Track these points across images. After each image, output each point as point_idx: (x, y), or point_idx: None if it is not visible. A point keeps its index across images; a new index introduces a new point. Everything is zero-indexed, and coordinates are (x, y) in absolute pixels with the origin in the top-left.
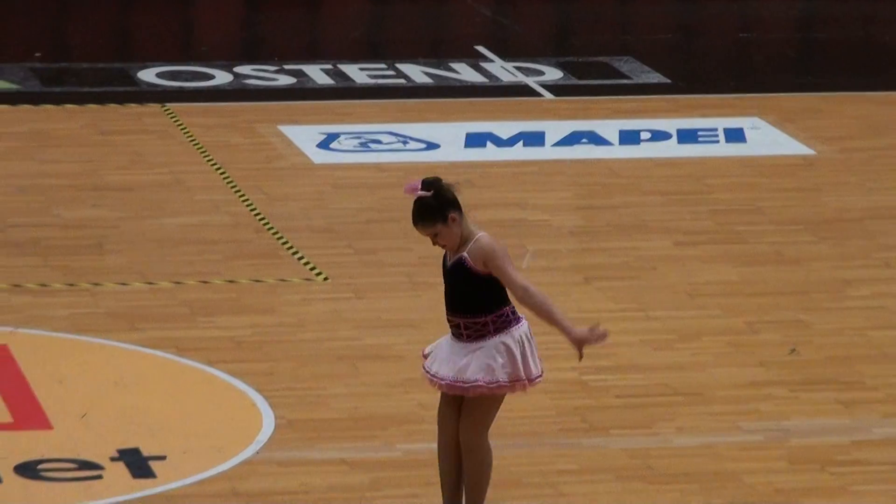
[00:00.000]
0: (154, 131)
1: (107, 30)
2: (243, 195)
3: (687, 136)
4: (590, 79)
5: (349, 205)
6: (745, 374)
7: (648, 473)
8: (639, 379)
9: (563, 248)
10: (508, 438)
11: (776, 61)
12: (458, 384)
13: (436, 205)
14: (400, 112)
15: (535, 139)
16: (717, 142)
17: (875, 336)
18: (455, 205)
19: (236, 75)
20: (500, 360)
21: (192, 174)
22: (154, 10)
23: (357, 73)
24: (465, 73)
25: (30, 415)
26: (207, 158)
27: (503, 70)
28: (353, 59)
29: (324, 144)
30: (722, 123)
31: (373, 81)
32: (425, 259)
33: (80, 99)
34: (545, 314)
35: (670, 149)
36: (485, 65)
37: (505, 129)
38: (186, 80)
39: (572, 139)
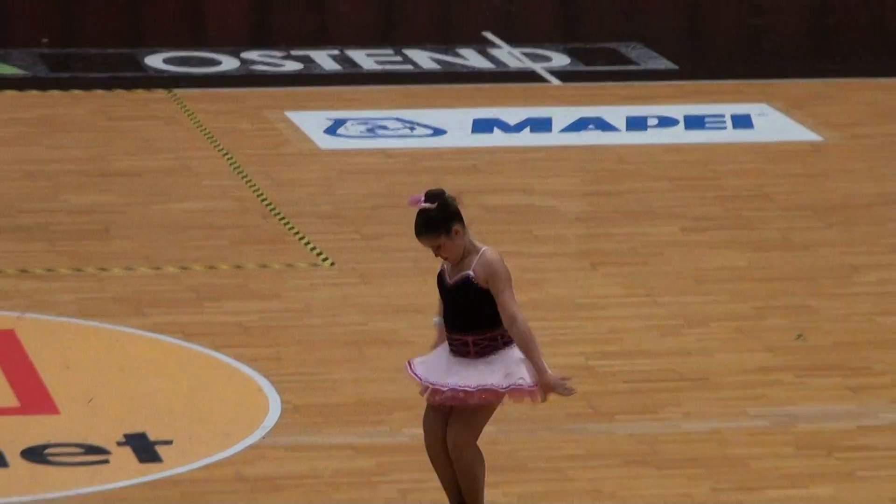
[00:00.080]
0: (161, 117)
1: (114, 15)
2: (250, 181)
3: (694, 123)
4: (597, 65)
5: (356, 190)
6: (752, 359)
7: (655, 459)
8: (646, 364)
9: (570, 233)
10: (515, 423)
11: (784, 47)
12: (459, 392)
13: (440, 217)
14: (407, 98)
15: (543, 125)
16: (725, 128)
17: (882, 322)
18: (459, 217)
19: (243, 61)
20: (515, 371)
21: (199, 160)
22: None
23: (364, 59)
24: (472, 59)
25: (36, 399)
26: (214, 144)
27: (510, 56)
28: (361, 45)
29: (331, 130)
30: (729, 110)
31: (380, 67)
32: None
33: (88, 84)
34: (524, 348)
35: (678, 135)
36: (492, 51)
37: (512, 115)
38: (194, 66)
39: (579, 125)
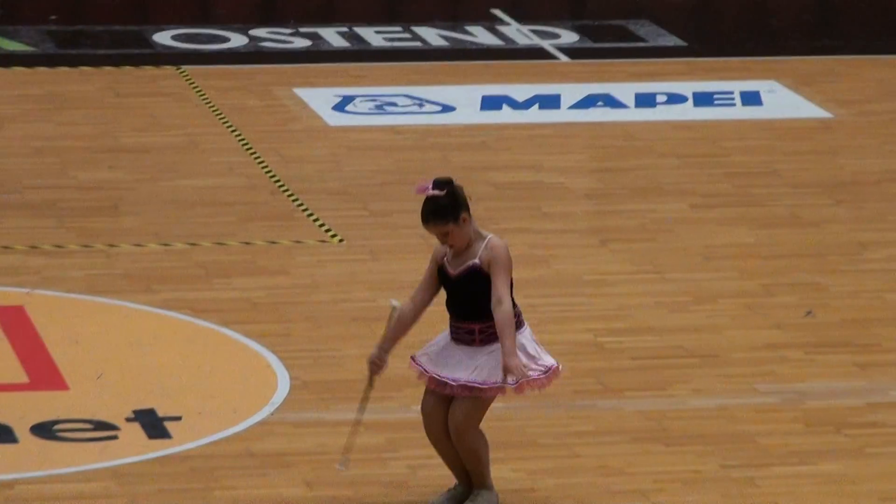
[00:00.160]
0: (169, 94)
1: None
2: (259, 157)
3: (703, 99)
4: (606, 42)
5: (364, 167)
6: (760, 336)
7: (663, 435)
8: (654, 341)
9: (578, 210)
10: (523, 400)
11: (793, 24)
12: (468, 387)
13: (449, 204)
14: (415, 75)
15: (551, 102)
16: (734, 105)
17: (891, 298)
18: (466, 205)
19: (252, 38)
20: (523, 358)
21: (208, 136)
22: None
23: (372, 36)
24: (480, 35)
25: (46, 375)
26: (223, 121)
27: (519, 33)
28: (369, 22)
29: (339, 107)
30: (738, 86)
31: (388, 44)
32: None
33: (96, 61)
34: (501, 328)
35: (686, 112)
36: (501, 28)
37: (521, 91)
38: (202, 43)
39: (588, 102)
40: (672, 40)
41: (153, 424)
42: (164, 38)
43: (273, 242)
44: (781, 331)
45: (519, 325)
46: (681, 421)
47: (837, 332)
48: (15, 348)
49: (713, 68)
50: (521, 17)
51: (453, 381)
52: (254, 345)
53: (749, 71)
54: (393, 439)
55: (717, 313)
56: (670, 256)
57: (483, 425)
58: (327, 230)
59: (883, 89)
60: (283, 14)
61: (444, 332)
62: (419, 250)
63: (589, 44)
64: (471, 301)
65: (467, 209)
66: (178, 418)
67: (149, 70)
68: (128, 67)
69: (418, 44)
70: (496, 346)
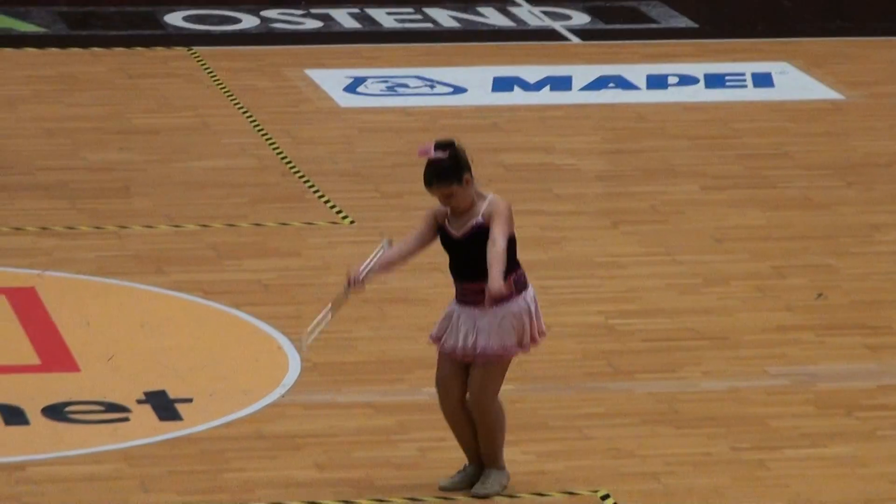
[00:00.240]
0: (181, 75)
1: None
2: (270, 139)
3: (715, 81)
4: (617, 23)
5: (376, 148)
6: (771, 318)
7: (674, 417)
8: (665, 323)
9: (589, 192)
10: (534, 382)
11: (805, 5)
12: (488, 352)
13: (452, 166)
14: (427, 56)
15: (562, 83)
16: (745, 86)
17: None
18: (468, 166)
19: (263, 19)
20: (526, 321)
21: (219, 118)
22: None
23: (384, 17)
24: (492, 17)
25: (57, 357)
26: (234, 102)
27: (530, 14)
28: (380, 4)
29: (350, 88)
30: (750, 68)
31: (400, 25)
32: None
33: (107, 42)
34: (492, 261)
35: (698, 93)
36: (512, 9)
37: (532, 73)
38: (213, 24)
39: (599, 83)
40: (683, 22)
41: (164, 406)
42: (175, 19)
43: (284, 224)
44: (792, 313)
45: (523, 286)
46: (691, 403)
47: (848, 314)
48: (26, 330)
49: (725, 50)
50: None
51: (466, 349)
52: (265, 326)
53: (760, 52)
54: (403, 421)
55: (727, 295)
56: (681, 238)
57: None
58: (338, 212)
59: (894, 71)
60: None
61: (452, 304)
62: None
63: (600, 25)
64: (478, 261)
65: (469, 170)
66: (189, 400)
67: (160, 51)
68: (139, 48)
69: (430, 25)
70: (505, 308)
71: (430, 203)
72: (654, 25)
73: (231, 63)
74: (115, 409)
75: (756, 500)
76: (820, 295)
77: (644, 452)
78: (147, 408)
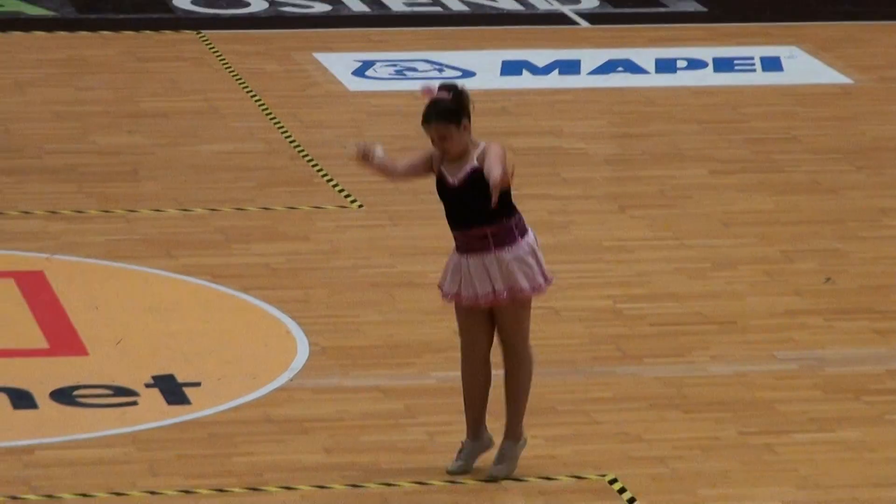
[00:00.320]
0: (189, 58)
1: None
2: (278, 122)
3: (723, 65)
4: (626, 7)
5: (384, 132)
6: (779, 302)
7: (682, 402)
8: (673, 307)
9: (598, 176)
10: (542, 366)
11: None
12: (502, 295)
13: (454, 108)
14: (436, 40)
15: (571, 67)
16: (754, 70)
17: None
18: (468, 113)
19: (272, 2)
20: (533, 262)
21: (228, 101)
22: None
23: (393, 1)
24: (501, 0)
25: (65, 341)
26: (243, 85)
27: None
28: None
29: (359, 72)
30: (759, 52)
31: (409, 9)
32: None
33: (116, 26)
34: (489, 164)
35: (706, 77)
36: None
37: (541, 57)
38: (222, 7)
39: (608, 67)
40: (692, 5)
41: (172, 390)
42: (184, 2)
43: (293, 208)
44: (800, 297)
45: (523, 230)
46: (699, 387)
47: (857, 298)
48: (35, 314)
49: (733, 34)
50: None
51: (483, 296)
52: (273, 310)
53: (769, 36)
54: (411, 406)
55: (736, 280)
56: (689, 222)
57: (501, 391)
58: (347, 196)
59: None
60: None
61: (455, 258)
62: (439, 216)
63: (609, 9)
64: (477, 206)
65: (469, 117)
66: (198, 384)
67: (169, 35)
68: (148, 32)
69: (438, 9)
70: (511, 251)
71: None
72: (662, 9)
73: (240, 46)
74: (123, 393)
75: (764, 485)
76: (828, 279)
77: (652, 437)
78: (155, 392)
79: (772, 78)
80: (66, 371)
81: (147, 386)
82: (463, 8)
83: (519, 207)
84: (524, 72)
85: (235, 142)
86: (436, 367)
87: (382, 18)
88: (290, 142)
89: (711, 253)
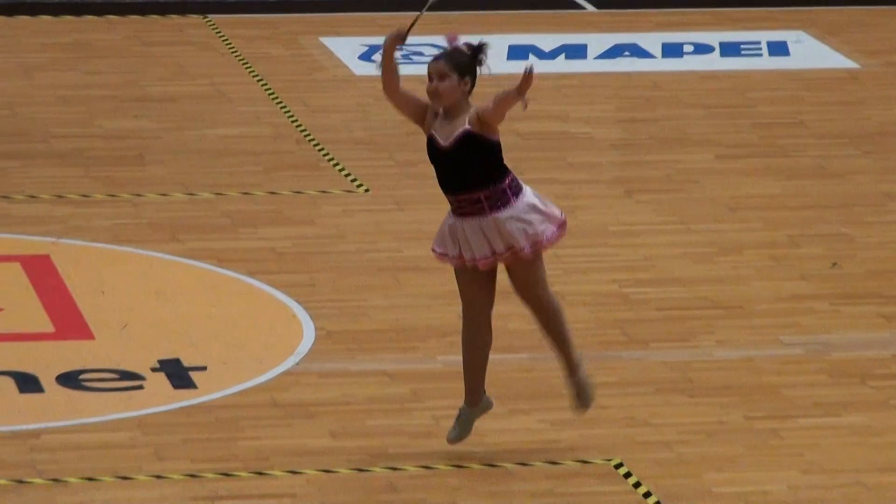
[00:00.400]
0: (195, 42)
1: None
2: (284, 107)
3: (730, 49)
4: None
5: (391, 117)
6: (786, 287)
7: (688, 386)
8: (679, 292)
9: (604, 160)
10: (548, 350)
11: None
12: (502, 256)
13: (465, 62)
14: (442, 24)
15: (578, 52)
16: (761, 55)
17: None
18: (475, 76)
19: None
20: (535, 217)
21: (234, 85)
22: None
23: None
24: None
25: (71, 325)
26: (249, 70)
27: None
28: None
29: (365, 56)
30: (765, 36)
31: None
32: None
33: (122, 10)
34: (504, 103)
35: (713, 62)
36: None
37: (547, 41)
38: None
39: (615, 52)
40: None
41: (178, 374)
42: None
43: (299, 192)
44: (807, 282)
45: (517, 190)
46: (705, 372)
47: (863, 283)
48: (41, 298)
49: (740, 18)
50: None
51: (484, 257)
52: (279, 295)
53: (776, 21)
54: (417, 390)
55: (742, 264)
56: (696, 207)
57: (507, 376)
58: (353, 180)
59: None
60: None
61: (449, 220)
62: (445, 200)
63: None
64: (469, 169)
65: (474, 80)
66: (204, 368)
67: (175, 19)
68: (154, 16)
69: None
70: (508, 212)
71: None
72: None
73: (246, 31)
74: (129, 377)
75: (769, 469)
76: (834, 264)
77: (657, 421)
78: (161, 376)
79: (778, 62)
80: (72, 355)
81: (153, 370)
82: None
83: None
84: (531, 56)
85: (242, 126)
86: (442, 352)
87: (389, 2)
88: (297, 126)
89: (718, 237)
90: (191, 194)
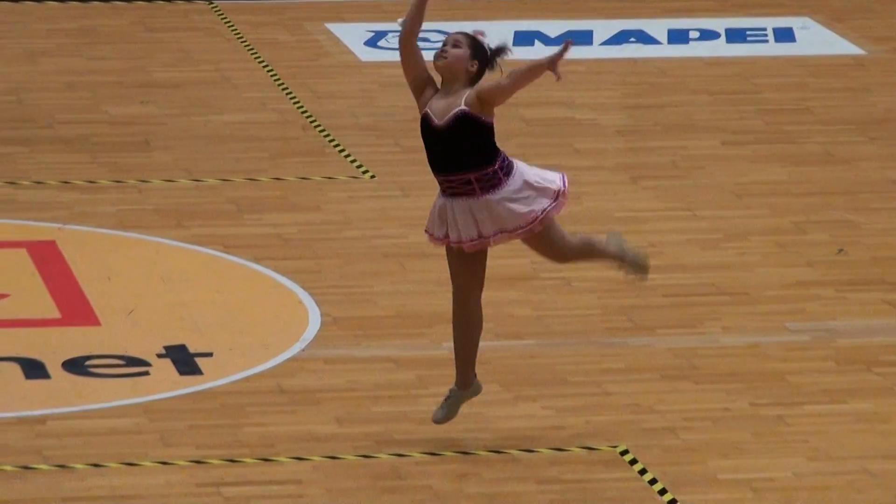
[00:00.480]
0: (201, 28)
1: None
2: (290, 93)
3: (736, 36)
4: None
5: (396, 103)
6: (792, 273)
7: (694, 373)
8: (685, 278)
9: (610, 147)
10: (554, 337)
11: None
12: (490, 240)
13: (482, 50)
14: (448, 10)
15: (584, 38)
16: (767, 41)
17: None
18: (484, 68)
19: None
20: (529, 192)
21: (239, 71)
22: None
23: None
24: None
25: (77, 311)
26: (254, 56)
27: None
28: None
29: (371, 42)
30: (771, 23)
31: None
32: None
33: None
34: (530, 73)
35: (719, 48)
36: None
37: (553, 27)
38: None
39: (621, 38)
40: None
41: (184, 360)
42: None
43: (304, 178)
44: (813, 268)
45: (509, 171)
46: (711, 359)
47: (869, 269)
48: (47, 284)
49: (746, 4)
50: None
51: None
52: (285, 281)
53: (782, 7)
54: (423, 376)
55: (748, 251)
56: (702, 193)
57: (511, 362)
58: (359, 166)
59: None
60: None
61: (440, 202)
62: None
63: None
64: (462, 149)
65: (481, 69)
66: (209, 354)
67: (181, 4)
68: (160, 2)
69: None
70: (500, 193)
71: None
72: None
73: (251, 17)
74: (135, 364)
75: (775, 456)
76: (840, 250)
77: (663, 408)
78: (167, 362)
79: (784, 49)
80: (78, 341)
81: (159, 356)
82: None
83: None
84: (536, 42)
85: (247, 112)
86: (447, 338)
87: None
88: (302, 112)
89: (723, 224)
90: (196, 180)
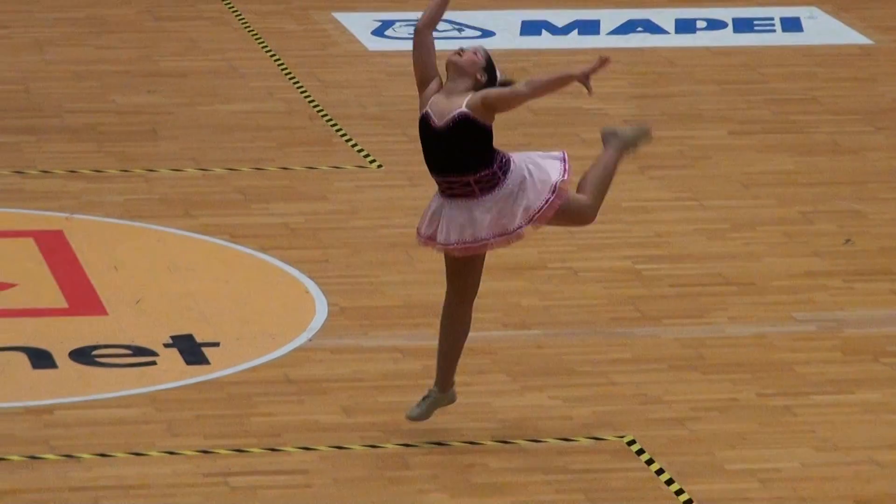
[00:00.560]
0: (208, 18)
1: None
2: (297, 82)
3: (743, 25)
4: None
5: (403, 92)
6: (799, 263)
7: (700, 363)
8: (692, 268)
9: None
10: (560, 327)
11: None
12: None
13: (494, 71)
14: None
15: (591, 27)
16: (774, 31)
17: None
18: (489, 79)
19: None
20: (530, 183)
21: (247, 61)
22: None
23: None
24: None
25: (85, 301)
26: (262, 45)
27: None
28: None
29: (378, 31)
30: (778, 12)
31: None
32: None
33: None
34: (555, 83)
35: (726, 38)
36: None
37: (560, 17)
38: None
39: (628, 27)
40: None
41: (191, 350)
42: None
43: (311, 168)
44: (820, 258)
45: (507, 169)
46: (718, 349)
47: (876, 260)
48: (54, 273)
49: None
50: None
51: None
52: (292, 270)
53: None
54: (430, 366)
55: (755, 241)
56: (709, 183)
57: (518, 352)
58: (366, 156)
59: None
60: None
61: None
62: None
63: None
64: (462, 152)
65: (488, 84)
66: (216, 344)
67: None
68: None
69: None
70: (499, 193)
71: None
72: None
73: (259, 6)
74: (142, 353)
75: (782, 446)
76: (848, 241)
77: (670, 398)
78: (174, 352)
79: (791, 38)
80: (85, 331)
81: (166, 346)
82: None
83: None
84: (543, 32)
85: (254, 101)
86: None
87: None
88: (309, 102)
89: (730, 214)
90: (203, 170)
